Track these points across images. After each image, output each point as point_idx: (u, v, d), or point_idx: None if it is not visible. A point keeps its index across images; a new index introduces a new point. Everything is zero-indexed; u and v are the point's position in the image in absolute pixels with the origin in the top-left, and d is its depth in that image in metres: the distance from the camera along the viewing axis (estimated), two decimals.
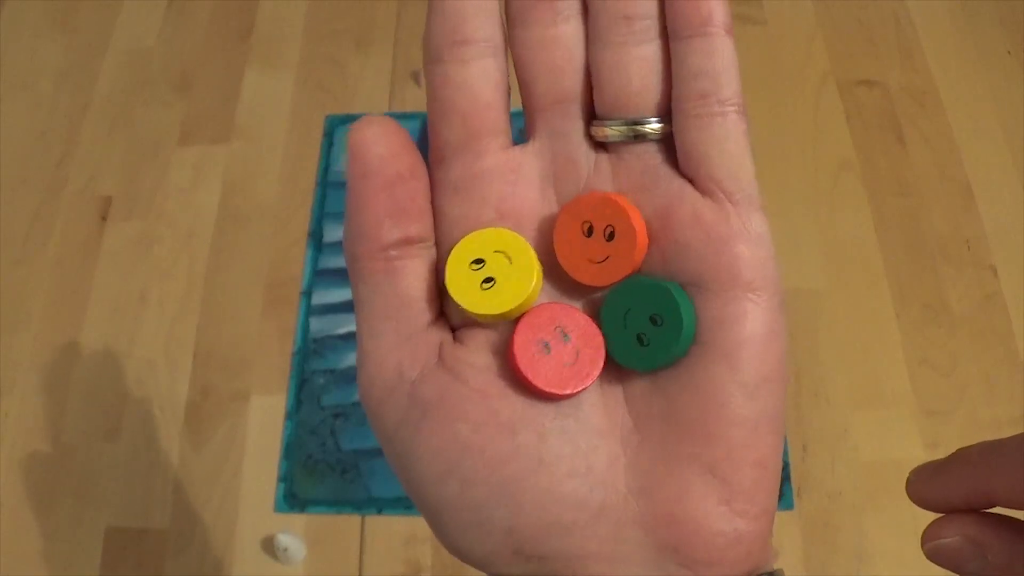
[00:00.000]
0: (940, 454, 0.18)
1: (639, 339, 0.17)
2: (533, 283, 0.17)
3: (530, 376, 0.17)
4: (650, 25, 0.17)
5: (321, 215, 0.79)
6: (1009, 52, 0.87)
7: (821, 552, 0.64)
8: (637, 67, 0.17)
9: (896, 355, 0.71)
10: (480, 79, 0.17)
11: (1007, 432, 0.78)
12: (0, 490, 0.69)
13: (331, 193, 0.81)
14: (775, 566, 0.17)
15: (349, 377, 0.72)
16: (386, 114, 0.18)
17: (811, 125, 0.82)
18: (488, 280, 0.17)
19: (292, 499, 0.67)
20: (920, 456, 0.66)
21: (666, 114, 0.17)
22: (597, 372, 0.17)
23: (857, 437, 0.68)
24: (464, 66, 0.17)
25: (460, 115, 0.17)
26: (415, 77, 0.87)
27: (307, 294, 0.76)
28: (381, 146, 0.17)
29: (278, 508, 0.67)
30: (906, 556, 0.64)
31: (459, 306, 0.17)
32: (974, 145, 0.81)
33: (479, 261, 0.17)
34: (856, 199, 0.78)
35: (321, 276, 0.76)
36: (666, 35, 0.17)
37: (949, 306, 0.72)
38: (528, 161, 0.18)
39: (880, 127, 0.82)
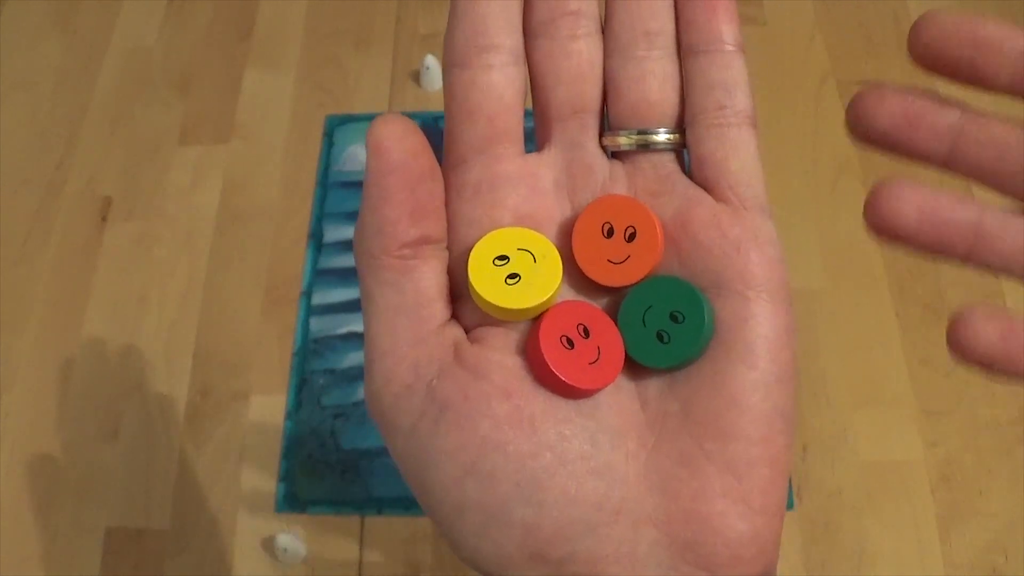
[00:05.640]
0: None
1: (659, 336, 0.17)
2: (560, 279, 0.17)
3: (557, 370, 0.17)
4: (668, 42, 0.18)
5: (321, 215, 0.79)
6: None
7: (821, 552, 0.64)
8: (655, 80, 0.18)
9: (896, 355, 0.71)
10: (506, 84, 0.18)
11: (1007, 432, 0.77)
12: (0, 490, 0.69)
13: (331, 193, 0.81)
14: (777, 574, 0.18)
15: (349, 377, 0.72)
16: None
17: (811, 125, 0.82)
18: (513, 276, 0.17)
19: (292, 499, 0.67)
20: (920, 456, 0.66)
21: (676, 126, 0.18)
22: (619, 369, 0.17)
23: (857, 437, 0.68)
24: (490, 71, 0.17)
25: (486, 117, 0.18)
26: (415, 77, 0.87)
27: (307, 294, 0.76)
28: (405, 144, 0.17)
29: (278, 508, 0.67)
30: (906, 556, 0.64)
31: (480, 302, 0.17)
32: None
33: (503, 258, 0.17)
34: (856, 199, 0.78)
35: (321, 276, 0.76)
36: (679, 53, 0.18)
37: (949, 306, 0.72)
38: (543, 169, 0.19)
39: None
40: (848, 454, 0.67)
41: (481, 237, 0.18)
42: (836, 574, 0.63)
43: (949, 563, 0.63)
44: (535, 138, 0.20)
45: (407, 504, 0.66)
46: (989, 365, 0.17)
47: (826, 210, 0.78)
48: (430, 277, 0.18)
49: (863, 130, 0.17)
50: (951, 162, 0.17)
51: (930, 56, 0.16)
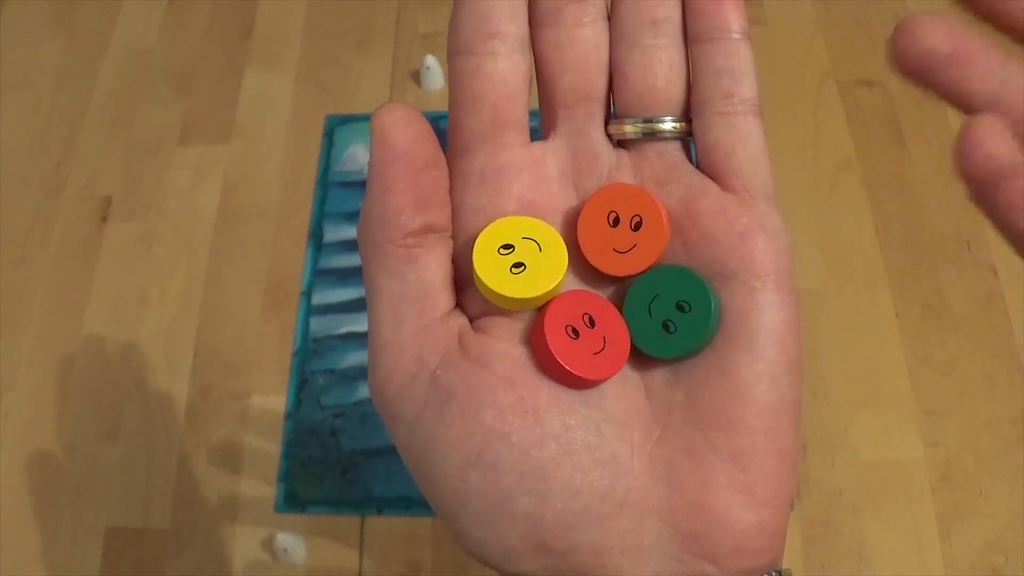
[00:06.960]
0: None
1: (665, 326, 0.17)
2: (566, 268, 0.17)
3: (563, 360, 0.16)
4: (675, 30, 0.18)
5: (321, 215, 0.79)
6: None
7: (821, 552, 0.64)
8: (662, 68, 0.18)
9: (896, 355, 0.71)
10: (510, 71, 0.17)
11: (1007, 432, 0.77)
12: (0, 490, 0.69)
13: (331, 193, 0.81)
14: (783, 566, 0.18)
15: (349, 377, 0.72)
16: None
17: (811, 125, 0.82)
18: (518, 265, 0.17)
19: (292, 499, 0.67)
20: (920, 456, 0.66)
21: (682, 115, 0.18)
22: (625, 359, 0.17)
23: (857, 437, 0.68)
24: (495, 58, 0.17)
25: (490, 105, 0.17)
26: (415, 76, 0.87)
27: (307, 294, 0.76)
28: (409, 132, 0.17)
29: (278, 508, 0.67)
30: (906, 556, 0.64)
31: (485, 291, 0.17)
32: None
33: (508, 247, 0.17)
34: (856, 199, 0.78)
35: (321, 276, 0.76)
36: (685, 41, 0.18)
37: (949, 306, 0.72)
38: (548, 157, 0.19)
39: (880, 127, 0.82)
40: (848, 454, 0.67)
41: (486, 226, 0.17)
42: (836, 574, 0.63)
43: (949, 563, 0.63)
44: (540, 127, 0.19)
45: (407, 504, 0.66)
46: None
47: (826, 210, 0.78)
48: (434, 266, 0.17)
49: (911, 59, 0.15)
50: (996, 105, 0.15)
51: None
